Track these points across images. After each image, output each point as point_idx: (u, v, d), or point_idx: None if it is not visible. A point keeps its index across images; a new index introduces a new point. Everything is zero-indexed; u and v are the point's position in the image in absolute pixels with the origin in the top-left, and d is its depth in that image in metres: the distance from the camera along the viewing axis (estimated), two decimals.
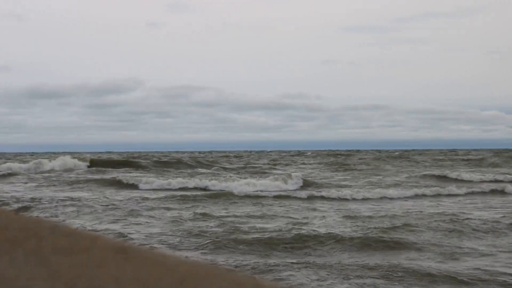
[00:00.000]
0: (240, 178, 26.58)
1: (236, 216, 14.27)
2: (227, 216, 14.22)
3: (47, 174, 30.80)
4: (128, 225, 12.99)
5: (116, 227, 12.75)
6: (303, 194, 19.91)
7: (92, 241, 1.05)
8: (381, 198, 19.64)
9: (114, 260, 0.97)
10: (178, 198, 18.39)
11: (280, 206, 16.81)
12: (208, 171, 34.94)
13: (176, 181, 24.29)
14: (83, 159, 38.73)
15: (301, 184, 23.98)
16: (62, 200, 17.66)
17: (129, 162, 41.10)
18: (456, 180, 27.16)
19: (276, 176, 26.15)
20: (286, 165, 45.32)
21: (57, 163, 35.78)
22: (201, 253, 9.87)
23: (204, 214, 14.44)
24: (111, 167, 36.64)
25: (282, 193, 20.68)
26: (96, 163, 38.07)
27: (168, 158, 49.47)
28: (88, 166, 36.60)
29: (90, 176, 28.06)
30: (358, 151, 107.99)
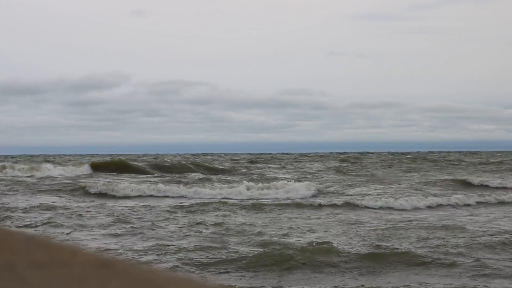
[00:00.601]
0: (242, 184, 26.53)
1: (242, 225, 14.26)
2: (232, 226, 14.21)
3: (29, 180, 30.76)
4: (114, 235, 12.98)
5: (101, 239, 12.74)
6: (312, 201, 19.89)
7: (73, 255, 1.04)
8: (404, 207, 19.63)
9: (96, 275, 0.96)
10: (179, 207, 18.39)
11: (288, 215, 16.82)
12: (203, 176, 34.93)
13: (179, 189, 24.25)
14: (79, 164, 39.23)
15: (313, 192, 23.69)
16: (40, 208, 17.64)
17: (125, 166, 40.91)
18: (481, 187, 26.73)
19: (283, 182, 26.05)
20: (289, 168, 45.35)
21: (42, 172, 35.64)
22: (196, 270, 9.86)
23: (206, 224, 14.43)
24: (104, 171, 36.91)
25: (283, 201, 20.67)
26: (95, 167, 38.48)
27: (160, 161, 49.49)
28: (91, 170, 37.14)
29: (77, 181, 28.05)
30: (367, 153, 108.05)
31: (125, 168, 39.17)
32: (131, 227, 14.06)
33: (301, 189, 23.90)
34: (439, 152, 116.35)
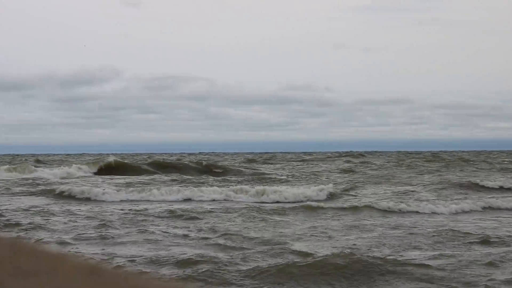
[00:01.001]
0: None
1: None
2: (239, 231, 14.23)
3: (14, 181, 30.78)
4: (104, 240, 12.99)
5: (90, 245, 12.75)
6: (318, 204, 19.88)
7: (59, 262, 1.04)
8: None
9: (85, 284, 0.96)
10: (175, 210, 18.40)
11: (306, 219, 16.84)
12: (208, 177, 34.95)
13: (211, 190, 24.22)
14: (70, 165, 39.41)
15: (319, 193, 23.47)
16: (25, 211, 17.67)
17: (120, 166, 40.86)
18: (498, 189, 26.02)
19: (286, 185, 26.06)
20: (293, 168, 45.39)
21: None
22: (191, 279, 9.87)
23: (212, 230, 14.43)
24: (98, 171, 37.00)
25: (286, 204, 20.67)
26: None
27: (158, 160, 49.50)
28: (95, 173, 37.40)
29: (66, 183, 28.06)
30: (376, 152, 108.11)
31: (120, 168, 39.28)
32: (123, 232, 14.07)
33: (307, 191, 23.90)
34: (452, 151, 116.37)
